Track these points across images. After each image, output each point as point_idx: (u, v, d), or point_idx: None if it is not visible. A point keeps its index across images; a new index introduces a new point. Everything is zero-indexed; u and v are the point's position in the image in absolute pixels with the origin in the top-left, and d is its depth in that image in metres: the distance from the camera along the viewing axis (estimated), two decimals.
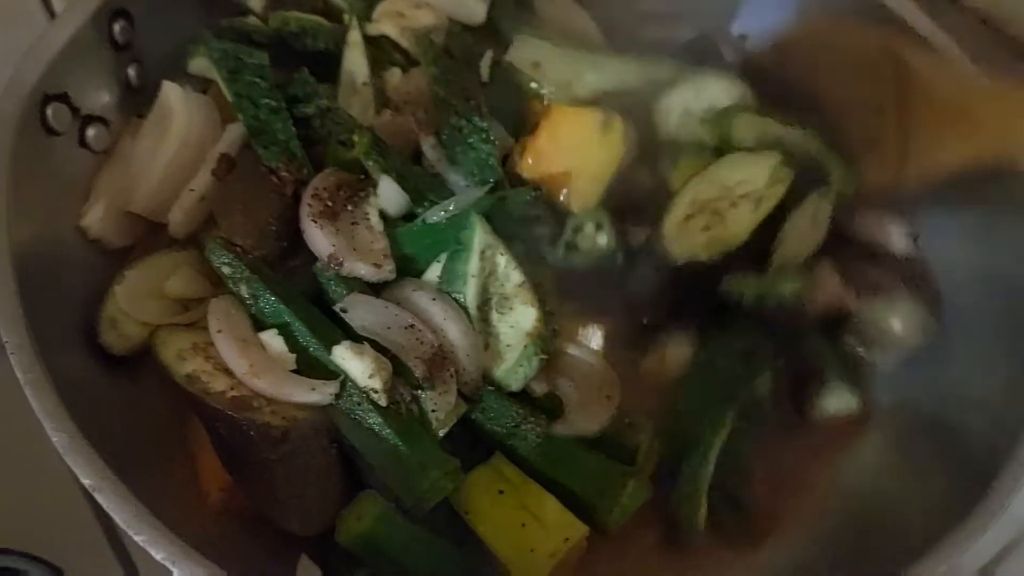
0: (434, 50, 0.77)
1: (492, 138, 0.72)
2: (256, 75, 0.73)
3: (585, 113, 0.76)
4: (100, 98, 0.75)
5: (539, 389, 0.68)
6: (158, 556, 0.51)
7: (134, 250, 0.74)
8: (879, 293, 0.76)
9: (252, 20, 0.81)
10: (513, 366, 0.66)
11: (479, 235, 0.67)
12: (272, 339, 0.64)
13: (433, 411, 0.63)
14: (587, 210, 0.76)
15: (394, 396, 0.62)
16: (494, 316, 0.68)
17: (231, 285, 0.66)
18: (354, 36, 0.78)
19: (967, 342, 0.73)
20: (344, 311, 0.65)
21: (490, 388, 0.67)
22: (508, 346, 0.67)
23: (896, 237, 0.76)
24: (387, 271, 0.68)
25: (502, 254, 0.67)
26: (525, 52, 0.81)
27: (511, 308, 0.67)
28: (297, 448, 0.60)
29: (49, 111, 0.69)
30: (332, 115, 0.74)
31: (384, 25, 0.80)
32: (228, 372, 0.62)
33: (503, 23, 0.84)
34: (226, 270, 0.66)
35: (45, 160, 0.69)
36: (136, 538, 0.50)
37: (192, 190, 0.72)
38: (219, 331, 0.63)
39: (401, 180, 0.70)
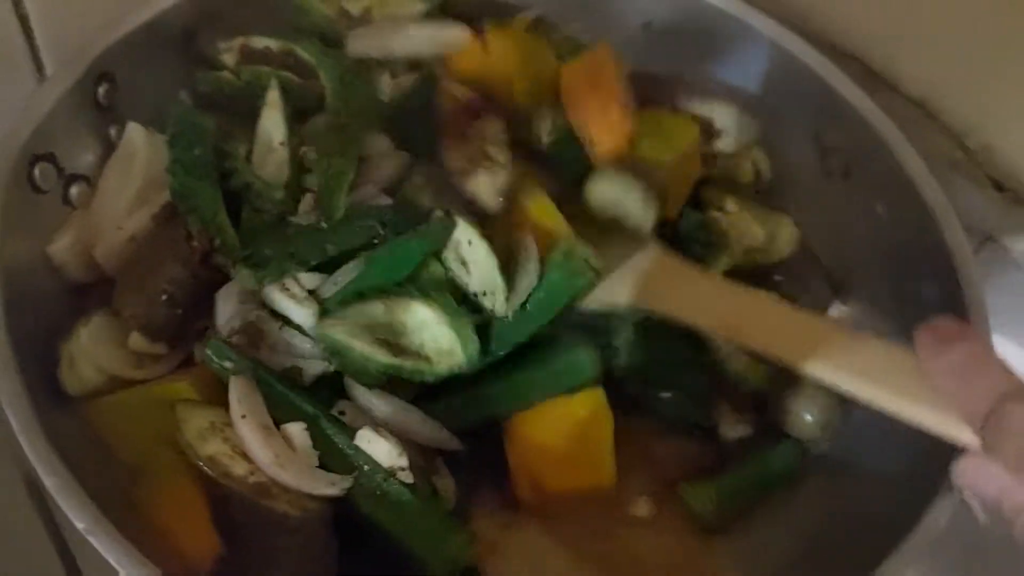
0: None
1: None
2: (196, 140, 0.75)
3: None
4: (84, 157, 0.78)
5: None
6: None
7: (98, 287, 0.76)
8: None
9: (225, 74, 0.84)
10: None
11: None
12: (298, 433, 0.64)
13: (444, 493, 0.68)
14: None
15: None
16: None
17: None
18: (272, 96, 0.80)
19: None
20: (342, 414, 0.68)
21: None
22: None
23: None
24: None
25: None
26: None
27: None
28: (309, 539, 0.62)
29: (36, 171, 0.72)
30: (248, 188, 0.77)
31: None
32: (244, 456, 0.63)
33: None
34: (229, 365, 0.68)
35: (31, 217, 0.72)
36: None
37: (120, 228, 0.74)
38: (243, 416, 0.63)
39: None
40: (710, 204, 0.88)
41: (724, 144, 0.90)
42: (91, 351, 0.70)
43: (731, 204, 0.88)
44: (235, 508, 0.61)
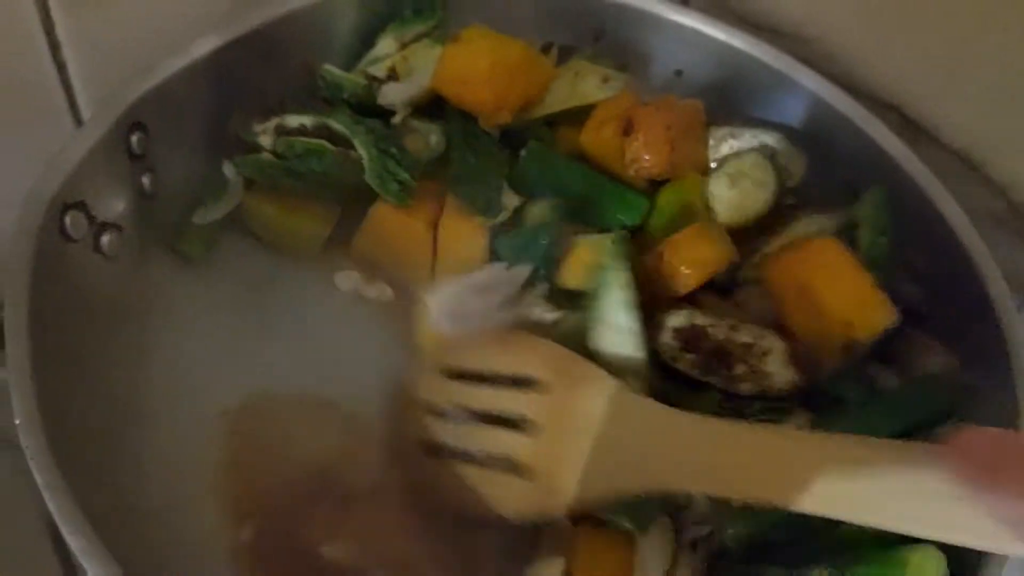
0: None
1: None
2: None
3: None
4: (115, 206, 0.78)
5: None
6: None
7: None
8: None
9: (264, 155, 0.85)
10: None
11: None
12: None
13: None
14: None
15: None
16: None
17: None
18: None
19: None
20: None
21: None
22: None
23: None
24: None
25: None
26: None
27: None
28: None
29: (67, 219, 0.72)
30: None
31: None
32: None
33: None
34: None
35: (61, 266, 0.72)
36: None
37: None
38: None
39: None
40: None
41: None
42: None
43: None
44: None
